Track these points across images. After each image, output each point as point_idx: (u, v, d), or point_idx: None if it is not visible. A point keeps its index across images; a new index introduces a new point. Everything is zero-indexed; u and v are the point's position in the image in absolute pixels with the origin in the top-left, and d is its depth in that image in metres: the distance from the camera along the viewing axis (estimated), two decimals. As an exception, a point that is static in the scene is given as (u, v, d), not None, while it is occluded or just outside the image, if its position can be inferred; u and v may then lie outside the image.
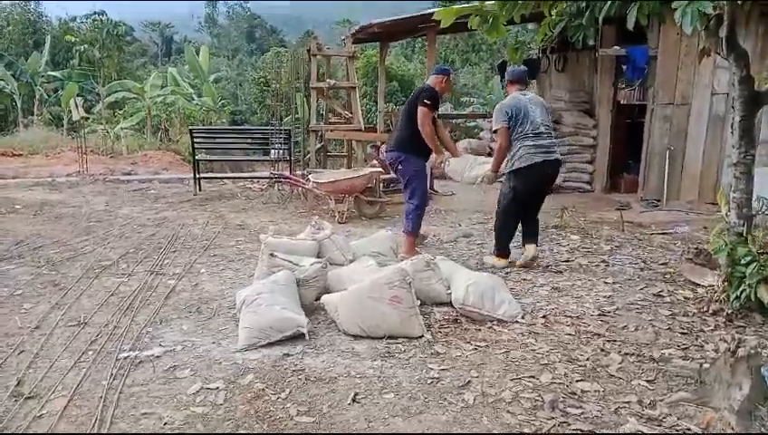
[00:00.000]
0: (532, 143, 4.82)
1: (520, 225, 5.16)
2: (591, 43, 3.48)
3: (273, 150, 9.13)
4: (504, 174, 5.06)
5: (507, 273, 4.92)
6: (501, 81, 13.19)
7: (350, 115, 9.07)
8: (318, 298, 3.98)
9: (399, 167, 5.30)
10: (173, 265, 5.20)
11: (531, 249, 5.03)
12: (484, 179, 5.23)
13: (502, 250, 5.14)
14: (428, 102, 5.19)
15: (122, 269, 5.04)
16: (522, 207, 5.04)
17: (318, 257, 4.39)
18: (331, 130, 8.95)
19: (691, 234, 6.41)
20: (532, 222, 5.17)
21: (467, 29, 4.05)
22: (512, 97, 4.90)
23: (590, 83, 9.48)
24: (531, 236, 5.12)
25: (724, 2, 2.57)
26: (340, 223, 7.14)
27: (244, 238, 6.29)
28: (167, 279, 4.76)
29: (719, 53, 3.65)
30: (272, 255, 4.02)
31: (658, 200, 8.20)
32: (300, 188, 8.31)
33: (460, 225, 7.09)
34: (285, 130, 8.87)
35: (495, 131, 4.97)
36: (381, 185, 8.32)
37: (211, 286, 4.58)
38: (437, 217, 7.72)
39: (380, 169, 7.93)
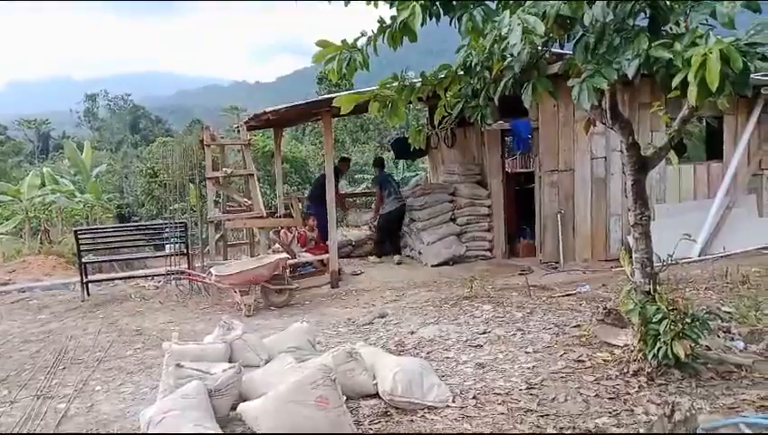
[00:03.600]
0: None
1: None
2: (491, 121, 3.59)
3: (168, 245, 8.66)
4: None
5: (429, 352, 4.82)
6: (396, 156, 13.63)
7: (248, 202, 8.85)
8: (234, 407, 3.62)
9: None
10: (63, 385, 4.66)
11: None
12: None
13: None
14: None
15: (2, 397, 4.41)
16: None
17: (230, 362, 4.04)
18: (231, 220, 8.65)
19: (594, 292, 6.68)
20: None
21: (361, 112, 4.08)
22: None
23: (480, 156, 9.97)
24: None
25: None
26: (247, 316, 6.86)
27: (143, 345, 5.82)
28: (56, 403, 4.25)
29: (604, 123, 3.91)
30: (178, 365, 3.64)
31: (557, 262, 8.57)
32: (201, 283, 7.88)
33: (374, 305, 7.04)
34: (180, 223, 8.46)
35: None
36: (289, 271, 8.12)
37: (109, 406, 4.13)
38: (349, 298, 7.64)
39: (286, 255, 7.72)
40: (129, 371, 4.96)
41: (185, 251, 8.54)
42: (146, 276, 9.55)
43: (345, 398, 3.46)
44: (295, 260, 8.65)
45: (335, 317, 6.59)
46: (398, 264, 9.55)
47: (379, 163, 11.03)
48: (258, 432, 3.33)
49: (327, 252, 8.66)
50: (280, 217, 10.24)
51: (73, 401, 4.25)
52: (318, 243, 9.38)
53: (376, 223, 10.20)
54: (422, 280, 8.32)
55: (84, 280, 8.37)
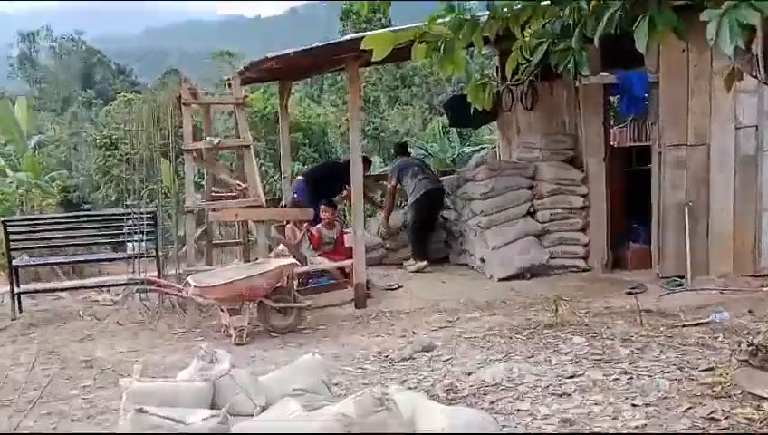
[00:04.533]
0: None
1: None
2: (588, 73, 3.56)
3: (130, 244, 8.82)
4: None
5: (493, 402, 4.83)
6: (450, 123, 13.61)
7: (242, 186, 8.97)
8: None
9: None
10: (-18, 436, 4.79)
11: None
12: None
13: None
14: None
15: None
16: None
17: (213, 407, 4.10)
18: (219, 210, 8.78)
19: (735, 321, 6.57)
20: None
21: (402, 58, 4.10)
22: None
23: (572, 122, 9.88)
24: None
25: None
26: (238, 344, 6.96)
27: (94, 382, 5.95)
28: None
29: (754, 76, 3.82)
30: (140, 410, 3.71)
31: (681, 277, 8.43)
32: (175, 298, 8.02)
33: (415, 333, 7.06)
34: (148, 212, 8.62)
35: None
36: (297, 282, 8.10)
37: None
38: (381, 323, 7.70)
39: (293, 260, 7.80)
40: (75, 417, 5.07)
41: (154, 252, 8.67)
42: (100, 287, 9.76)
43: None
44: (306, 268, 8.71)
45: (361, 349, 6.62)
46: (417, 271, 9.82)
47: (398, 148, 11.42)
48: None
49: (350, 257, 8.72)
50: (286, 206, 10.34)
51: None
52: (338, 245, 9.45)
53: (386, 225, 10.53)
54: (485, 299, 8.31)
55: (15, 291, 8.59)
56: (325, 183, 10.35)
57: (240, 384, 4.33)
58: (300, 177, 11.00)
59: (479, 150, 20.17)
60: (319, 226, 9.46)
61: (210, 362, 4.49)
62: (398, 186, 10.42)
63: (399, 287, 9.12)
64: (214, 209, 8.84)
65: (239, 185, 9.10)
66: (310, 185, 10.39)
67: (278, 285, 7.44)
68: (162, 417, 3.74)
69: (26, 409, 5.29)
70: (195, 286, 7.14)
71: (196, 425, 3.72)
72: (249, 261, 9.36)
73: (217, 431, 3.73)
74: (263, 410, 4.25)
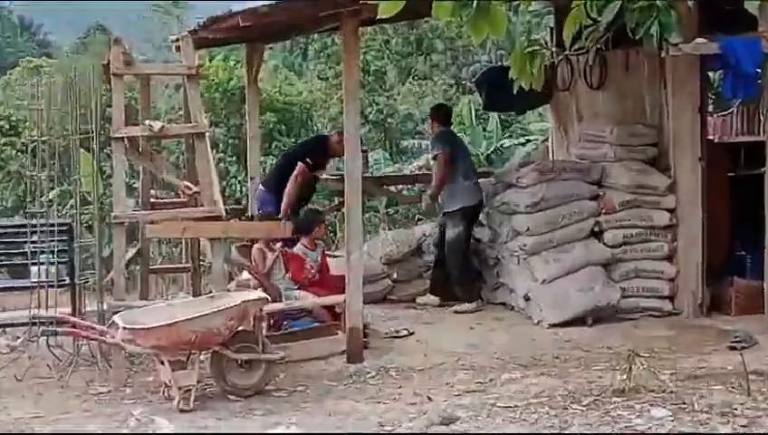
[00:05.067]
0: None
1: None
2: (679, 39, 3.58)
3: (35, 268, 8.84)
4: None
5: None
6: (485, 105, 13.63)
7: (193, 189, 8.98)
8: None
9: None
10: None
11: None
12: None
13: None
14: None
15: None
16: None
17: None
18: (158, 222, 8.80)
19: None
20: None
21: (418, 16, 4.12)
22: None
23: (656, 108, 9.89)
24: None
25: None
26: (183, 411, 6.92)
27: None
28: None
29: None
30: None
31: (806, 326, 8.41)
32: (96, 344, 8.04)
33: (431, 399, 7.05)
34: (61, 224, 8.65)
35: None
36: (267, 324, 8.10)
37: None
38: (383, 384, 7.71)
39: (262, 294, 7.84)
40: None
41: (67, 280, 8.70)
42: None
43: None
44: (281, 305, 8.72)
45: (355, 420, 6.60)
46: (464, 312, 9.95)
47: (442, 115, 11.28)
48: None
49: (340, 291, 8.72)
50: (253, 219, 10.32)
51: None
52: (322, 272, 9.47)
53: (443, 226, 10.53)
54: (529, 353, 8.35)
55: None
56: (285, 173, 10.38)
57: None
58: (261, 187, 11.01)
59: (524, 145, 20.27)
60: (299, 246, 9.46)
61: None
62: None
63: (410, 334, 9.10)
64: (153, 222, 8.85)
65: (188, 187, 9.09)
66: (274, 193, 10.43)
67: (241, 328, 7.43)
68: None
69: None
70: (124, 329, 7.12)
71: None
72: (201, 294, 9.36)
73: None
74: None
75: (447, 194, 10.32)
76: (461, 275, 10.28)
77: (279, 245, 9.33)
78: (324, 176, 11.34)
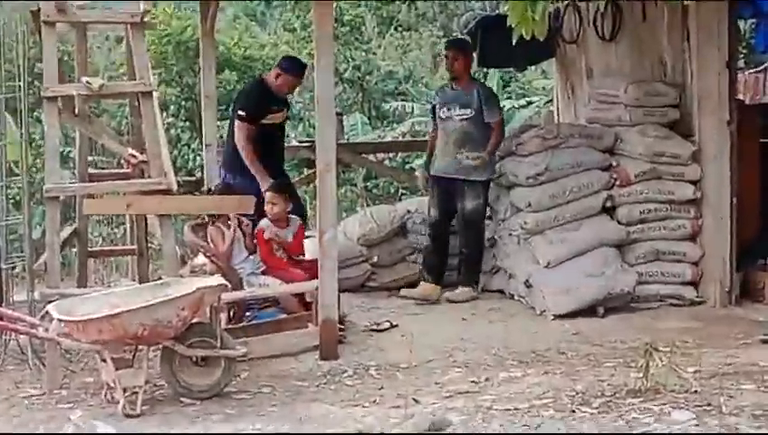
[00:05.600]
0: None
1: None
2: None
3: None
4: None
5: None
6: (479, 60, 13.58)
7: (138, 157, 8.94)
8: None
9: None
10: None
11: None
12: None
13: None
14: (242, 114, 9.98)
15: None
16: None
17: None
18: (97, 196, 8.77)
19: None
20: None
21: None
22: None
23: (678, 64, 9.92)
24: None
25: None
26: (128, 416, 6.92)
27: None
28: None
29: None
30: None
31: None
32: (26, 339, 8.06)
33: (417, 402, 7.08)
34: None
35: None
36: (227, 316, 8.11)
37: None
38: (362, 384, 7.76)
39: (221, 280, 7.88)
40: None
41: (-9, 266, 8.70)
42: None
43: None
44: (243, 293, 8.77)
45: (329, 426, 6.63)
46: (464, 301, 10.01)
47: (470, 54, 11.21)
48: None
49: (313, 276, 8.73)
50: (211, 192, 10.28)
51: None
52: (293, 250, 9.46)
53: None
54: (530, 348, 8.41)
55: None
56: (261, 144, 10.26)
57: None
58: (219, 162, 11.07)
59: (525, 107, 20.28)
60: (265, 221, 9.43)
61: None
62: None
63: (393, 327, 9.15)
64: (91, 196, 8.81)
65: (133, 156, 9.04)
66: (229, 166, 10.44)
67: (196, 320, 7.45)
68: None
69: None
70: (59, 320, 7.10)
71: None
72: (148, 280, 9.34)
73: None
74: None
75: (465, 162, 10.22)
76: (476, 254, 10.36)
77: (238, 221, 9.31)
78: (294, 143, 11.33)
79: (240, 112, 10.12)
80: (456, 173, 10.28)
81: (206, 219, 9.41)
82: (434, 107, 10.75)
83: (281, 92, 10.27)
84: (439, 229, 10.45)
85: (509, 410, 6.62)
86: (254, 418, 6.89)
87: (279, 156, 10.65)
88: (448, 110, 10.21)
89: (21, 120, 9.26)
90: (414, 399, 7.13)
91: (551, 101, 14.34)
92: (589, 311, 9.26)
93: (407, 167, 17.80)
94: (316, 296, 8.59)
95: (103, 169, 9.68)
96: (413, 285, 10.50)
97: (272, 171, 9.96)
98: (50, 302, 7.66)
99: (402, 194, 17.08)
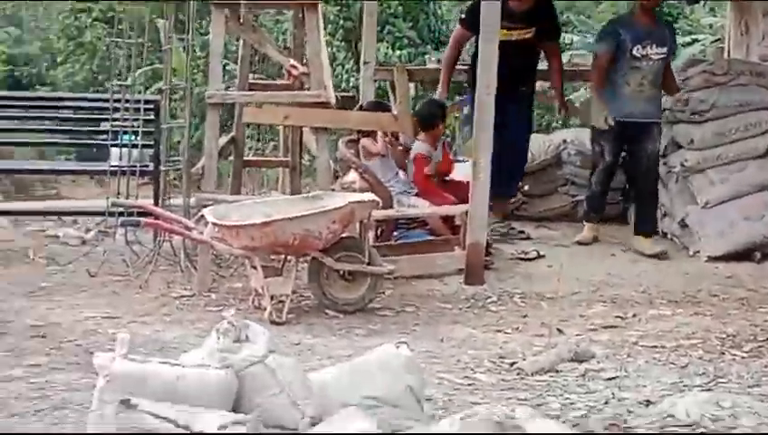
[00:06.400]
0: None
1: None
2: None
3: (115, 149, 9.09)
4: None
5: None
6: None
7: (299, 69, 9.00)
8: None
9: None
10: None
11: None
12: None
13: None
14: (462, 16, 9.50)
15: None
16: None
17: (236, 410, 4.26)
18: (259, 105, 8.87)
19: None
20: None
21: None
22: None
23: None
24: None
25: None
26: (275, 323, 7.09)
27: (48, 359, 6.17)
28: None
29: None
30: (126, 403, 3.88)
31: None
32: (179, 239, 8.28)
33: (562, 332, 7.13)
34: (148, 101, 8.79)
35: None
36: (376, 233, 8.19)
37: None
38: (506, 310, 7.80)
39: (373, 197, 7.94)
40: (15, 409, 5.26)
41: (151, 166, 8.94)
42: (63, 215, 10.08)
43: None
44: (393, 212, 8.84)
45: (471, 349, 6.71)
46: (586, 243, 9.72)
47: None
48: None
49: (462, 200, 8.74)
50: (362, 109, 10.27)
51: None
52: (442, 174, 9.47)
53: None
54: (681, 288, 8.36)
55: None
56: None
57: (281, 380, 4.45)
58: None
59: (691, 44, 19.81)
60: (421, 144, 9.46)
61: (237, 340, 4.62)
62: None
63: (540, 257, 9.14)
64: (251, 103, 8.90)
65: (294, 67, 9.10)
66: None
67: (345, 235, 7.56)
68: (159, 417, 3.89)
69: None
70: (214, 225, 7.26)
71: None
72: (298, 191, 9.46)
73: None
74: (313, 424, 4.39)
75: (656, 102, 9.82)
76: (656, 199, 9.99)
77: (391, 138, 9.34)
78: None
79: (463, 16, 10.43)
80: (651, 116, 9.74)
81: (359, 136, 9.48)
82: (617, 41, 9.82)
83: (519, 9, 9.69)
84: (611, 174, 10.09)
85: (655, 347, 6.61)
86: (396, 335, 6.85)
87: (513, 78, 9.51)
88: (643, 47, 9.71)
89: (187, 27, 9.42)
90: (558, 329, 7.19)
91: (718, 39, 13.99)
92: (744, 255, 9.10)
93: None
94: (465, 220, 8.61)
95: (261, 80, 9.72)
96: (564, 216, 10.45)
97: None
98: (205, 206, 7.84)
99: (554, 127, 16.85)
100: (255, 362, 4.49)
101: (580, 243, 9.75)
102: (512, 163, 9.77)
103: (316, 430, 4.31)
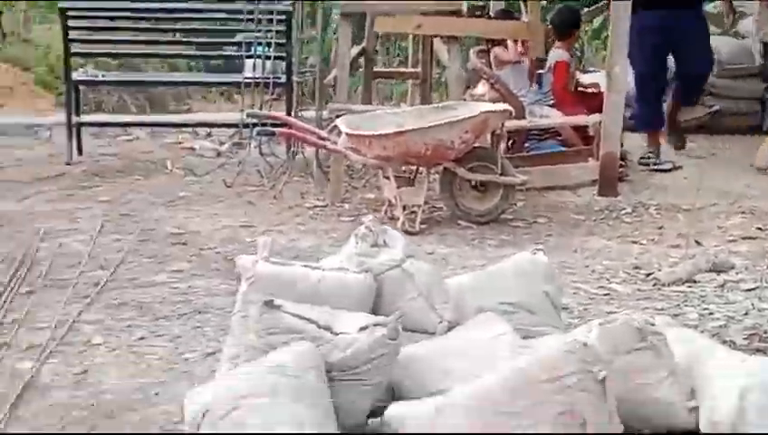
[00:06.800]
0: None
1: None
2: None
3: (249, 61, 9.24)
4: None
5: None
6: None
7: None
8: (376, 410, 3.94)
9: None
10: (29, 324, 5.25)
11: None
12: None
13: None
14: None
15: None
16: None
17: (375, 312, 4.33)
18: (391, 13, 8.87)
19: None
20: None
21: None
22: None
23: None
24: None
25: None
26: (407, 233, 7.10)
27: (189, 266, 6.37)
28: (15, 359, 4.80)
29: None
30: (270, 304, 3.96)
31: None
32: (312, 151, 8.41)
33: (700, 243, 7.07)
34: (280, 12, 8.84)
35: None
36: (507, 143, 8.19)
37: (118, 376, 4.62)
38: (641, 221, 7.81)
39: (505, 106, 7.88)
40: (160, 314, 5.47)
41: (284, 77, 9.02)
42: (197, 126, 10.26)
43: (622, 427, 3.59)
44: (526, 123, 8.80)
45: (606, 259, 6.72)
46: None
47: None
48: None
49: (596, 109, 8.66)
50: (490, 18, 10.23)
51: (50, 358, 4.78)
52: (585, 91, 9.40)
53: None
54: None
55: (73, 121, 9.23)
56: None
57: (419, 284, 4.51)
58: None
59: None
60: (561, 52, 9.37)
61: (374, 245, 4.68)
62: None
63: (676, 169, 9.03)
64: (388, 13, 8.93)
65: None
66: None
67: (477, 145, 7.55)
68: (301, 318, 3.98)
69: (90, 294, 5.75)
70: (348, 134, 7.34)
71: (350, 336, 3.93)
72: (428, 102, 9.46)
73: (382, 351, 3.92)
74: (450, 328, 4.45)
75: None
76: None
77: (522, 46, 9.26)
78: None
79: None
80: None
81: (489, 47, 9.42)
82: None
83: None
84: None
85: (796, 258, 6.52)
86: (529, 246, 6.83)
87: None
88: None
89: None
90: (695, 240, 7.13)
91: None
92: None
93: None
94: (599, 131, 8.52)
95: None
96: (701, 127, 10.31)
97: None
98: (337, 117, 7.92)
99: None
100: (393, 267, 4.56)
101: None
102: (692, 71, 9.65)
103: (453, 333, 4.40)
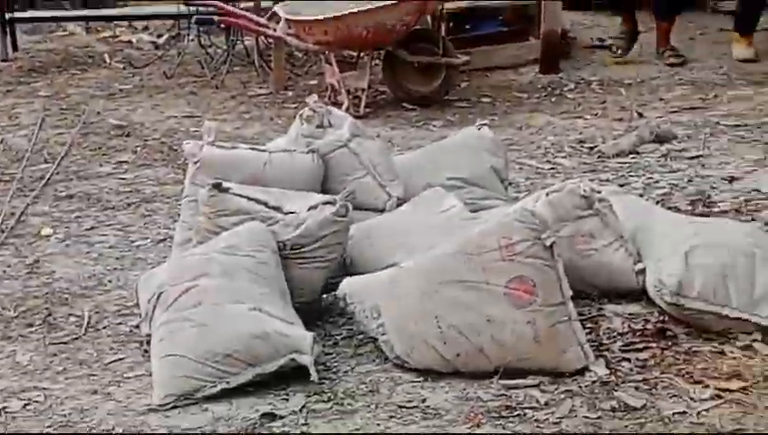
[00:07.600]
0: None
1: None
2: None
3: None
4: None
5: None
6: None
7: None
8: (329, 286, 4.00)
9: None
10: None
11: None
12: None
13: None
14: None
15: None
16: None
17: (324, 192, 4.36)
18: None
19: None
20: None
21: None
22: None
23: None
24: None
25: None
26: (355, 116, 7.02)
27: (134, 156, 6.37)
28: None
29: None
30: (218, 186, 3.99)
31: None
32: (254, 37, 8.31)
33: (641, 115, 7.11)
34: None
35: None
36: (446, 25, 8.16)
37: (69, 268, 4.67)
38: (584, 99, 7.78)
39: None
40: (108, 203, 5.50)
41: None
42: (134, 19, 10.12)
43: (571, 292, 3.66)
44: (465, 3, 8.73)
45: (550, 135, 6.77)
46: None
47: None
48: (380, 338, 3.66)
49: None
50: None
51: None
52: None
53: None
54: (763, 69, 8.19)
55: (7, 16, 9.12)
56: None
57: (366, 162, 4.54)
58: None
59: None
60: None
61: (320, 125, 4.70)
62: None
63: (616, 44, 9.05)
64: None
65: None
66: None
67: (418, 27, 7.51)
68: (250, 199, 4.01)
69: (36, 188, 5.77)
70: (287, 20, 7.26)
71: (300, 215, 3.96)
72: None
73: (332, 228, 3.96)
74: (399, 204, 4.49)
75: None
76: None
77: None
78: None
79: None
80: None
81: None
82: None
83: None
84: None
85: (738, 126, 6.59)
86: (473, 125, 6.92)
87: None
88: None
89: None
90: (638, 112, 7.16)
91: None
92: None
93: None
94: (539, 9, 8.50)
95: None
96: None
97: None
98: (276, 2, 7.84)
99: None
100: (340, 146, 4.58)
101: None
102: None
103: (403, 208, 4.45)
